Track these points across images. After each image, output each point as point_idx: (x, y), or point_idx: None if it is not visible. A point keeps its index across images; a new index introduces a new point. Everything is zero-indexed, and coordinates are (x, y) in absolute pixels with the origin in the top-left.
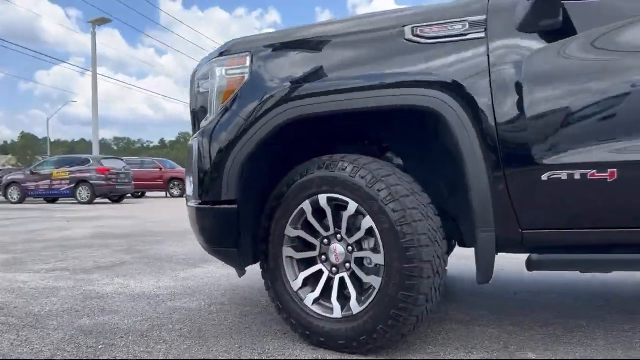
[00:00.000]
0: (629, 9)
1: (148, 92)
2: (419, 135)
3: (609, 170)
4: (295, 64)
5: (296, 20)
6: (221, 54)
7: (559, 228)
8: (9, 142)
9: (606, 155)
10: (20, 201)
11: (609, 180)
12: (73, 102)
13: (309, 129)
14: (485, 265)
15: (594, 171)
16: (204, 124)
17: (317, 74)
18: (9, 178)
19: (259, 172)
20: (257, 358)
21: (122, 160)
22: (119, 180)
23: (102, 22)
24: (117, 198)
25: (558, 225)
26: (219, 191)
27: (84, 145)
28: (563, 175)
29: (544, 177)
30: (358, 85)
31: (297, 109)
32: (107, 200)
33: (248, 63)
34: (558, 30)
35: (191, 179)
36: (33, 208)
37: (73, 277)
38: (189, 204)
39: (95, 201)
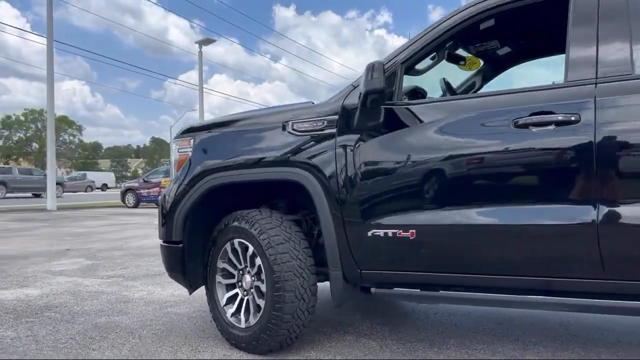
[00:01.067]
0: (429, 115)
1: (251, 101)
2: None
3: (410, 230)
4: (217, 147)
5: (408, 20)
6: (178, 136)
7: (384, 270)
8: (141, 146)
9: (408, 219)
10: (135, 206)
11: (410, 238)
12: (193, 110)
13: (245, 188)
14: (336, 294)
15: (401, 231)
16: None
17: (228, 154)
18: (126, 185)
19: (202, 220)
20: (189, 350)
21: None
22: None
23: (208, 42)
24: None
25: (383, 268)
26: (170, 233)
27: None
28: (381, 233)
29: (369, 233)
30: (253, 163)
31: (212, 180)
32: None
33: (191, 144)
34: (380, 128)
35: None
36: (141, 213)
37: (122, 283)
38: None
39: None
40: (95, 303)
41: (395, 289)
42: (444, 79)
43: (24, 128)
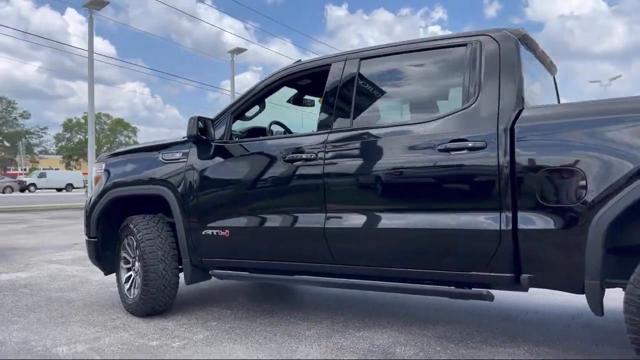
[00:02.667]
0: (237, 151)
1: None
2: None
3: (225, 230)
4: (117, 170)
5: (463, 15)
6: (97, 161)
7: (214, 258)
8: None
9: (224, 223)
10: None
11: (226, 236)
12: None
13: (142, 198)
14: (186, 275)
15: (220, 231)
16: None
17: (123, 176)
18: None
19: (112, 222)
20: (98, 313)
21: None
22: None
23: (239, 51)
24: None
25: (214, 256)
26: (89, 231)
27: None
28: (209, 232)
29: (203, 232)
30: (137, 182)
31: (113, 193)
32: None
33: (103, 167)
34: (210, 159)
35: None
36: None
37: (94, 269)
38: None
39: None
40: (62, 284)
41: (224, 271)
42: (273, 121)
43: (84, 130)
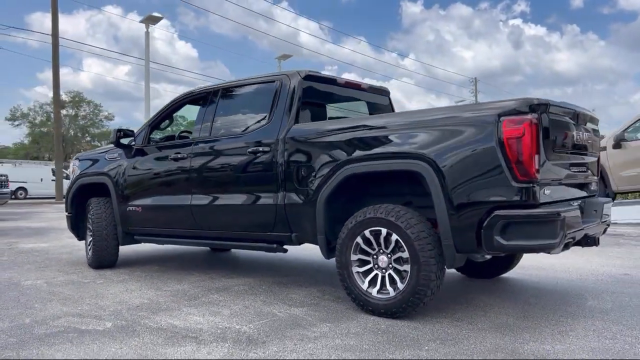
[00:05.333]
0: (149, 152)
1: None
2: None
3: (140, 207)
4: (83, 165)
5: (547, 7)
6: (75, 158)
7: (135, 227)
8: None
9: (139, 202)
10: None
11: (140, 211)
12: None
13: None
14: (120, 239)
15: (136, 207)
16: None
17: (85, 169)
18: None
19: (81, 201)
20: (72, 267)
21: None
22: None
23: (286, 57)
24: None
25: (135, 226)
26: (66, 208)
27: None
28: (131, 208)
29: (127, 209)
30: (90, 174)
31: (79, 181)
32: None
33: (78, 163)
34: (132, 158)
35: None
36: None
37: None
38: None
39: None
40: (65, 250)
41: (143, 236)
42: (183, 129)
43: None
